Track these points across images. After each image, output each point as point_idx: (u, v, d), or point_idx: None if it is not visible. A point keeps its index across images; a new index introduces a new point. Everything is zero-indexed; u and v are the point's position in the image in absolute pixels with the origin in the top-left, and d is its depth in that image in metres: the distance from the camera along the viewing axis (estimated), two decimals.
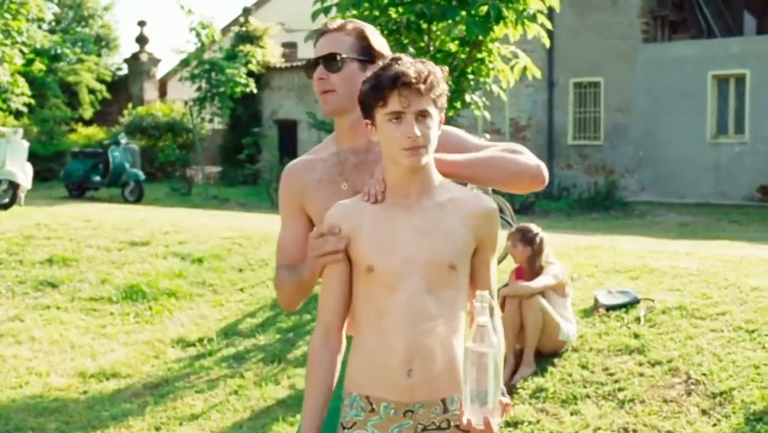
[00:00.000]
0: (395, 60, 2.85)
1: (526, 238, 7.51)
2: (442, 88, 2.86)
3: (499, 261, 9.12)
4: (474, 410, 2.67)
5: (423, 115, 2.81)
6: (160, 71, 32.06)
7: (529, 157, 3.13)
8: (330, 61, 3.17)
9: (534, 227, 7.64)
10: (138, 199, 20.34)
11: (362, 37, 3.22)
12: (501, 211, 9.14)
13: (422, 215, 2.87)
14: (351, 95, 3.10)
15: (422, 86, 2.79)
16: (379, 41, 3.26)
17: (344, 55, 3.17)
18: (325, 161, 3.23)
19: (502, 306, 7.21)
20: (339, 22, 3.27)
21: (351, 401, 2.89)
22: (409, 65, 2.81)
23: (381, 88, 2.79)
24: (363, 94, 2.87)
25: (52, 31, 31.78)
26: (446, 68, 2.93)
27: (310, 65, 3.21)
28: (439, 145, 2.90)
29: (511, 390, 6.89)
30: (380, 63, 2.95)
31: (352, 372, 2.91)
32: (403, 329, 2.80)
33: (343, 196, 3.06)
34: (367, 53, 3.20)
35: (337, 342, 2.95)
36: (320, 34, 3.24)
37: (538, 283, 7.27)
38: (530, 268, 7.44)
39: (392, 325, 2.81)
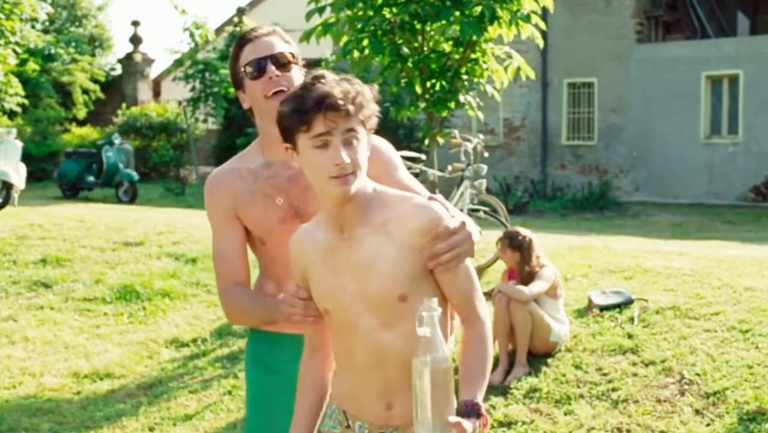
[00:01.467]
0: (317, 78, 2.59)
1: (514, 243, 7.50)
2: (372, 109, 2.63)
3: (491, 264, 9.13)
4: (424, 428, 2.48)
5: (350, 139, 2.57)
6: (154, 71, 32.05)
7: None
8: (280, 59, 3.09)
9: (522, 231, 7.63)
10: (132, 199, 20.32)
11: (292, 42, 3.18)
12: (495, 212, 9.17)
13: (360, 248, 2.66)
14: None
15: (350, 107, 2.56)
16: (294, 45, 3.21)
17: (292, 53, 3.11)
18: (254, 172, 3.15)
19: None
20: (266, 28, 3.18)
21: (330, 412, 2.87)
22: (334, 84, 2.56)
23: (304, 111, 2.54)
24: (283, 116, 2.60)
25: (45, 31, 31.77)
26: (375, 87, 2.69)
27: (255, 65, 3.08)
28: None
29: (505, 390, 6.90)
30: (302, 81, 2.68)
31: (334, 386, 2.87)
32: (374, 367, 2.69)
33: (278, 210, 3.05)
34: (297, 54, 3.16)
35: (324, 357, 2.87)
36: (250, 39, 3.14)
37: (532, 289, 7.25)
38: (521, 271, 7.44)
39: (362, 364, 2.71)
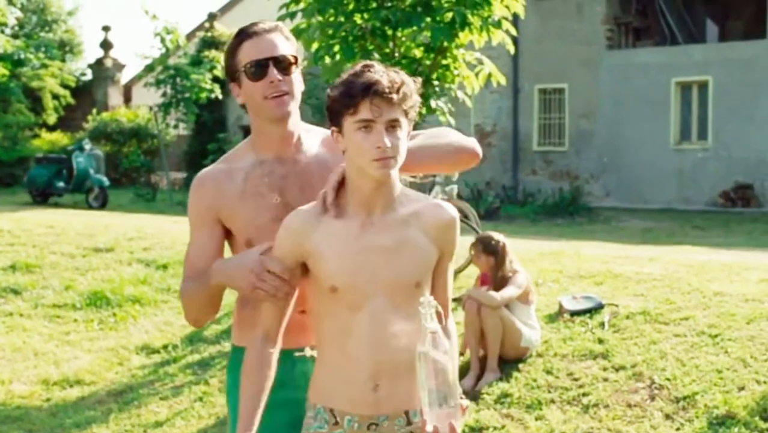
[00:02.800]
0: (367, 67, 2.74)
1: (488, 248, 7.50)
2: (415, 100, 2.77)
3: (463, 269, 9.14)
4: (436, 413, 2.65)
5: (393, 125, 2.72)
6: (124, 77, 31.91)
7: (461, 135, 3.14)
8: (282, 62, 3.01)
9: (496, 236, 7.64)
10: (102, 205, 20.22)
11: (291, 39, 3.08)
12: (466, 217, 9.17)
13: (386, 232, 2.80)
14: (297, 101, 3.04)
15: (395, 96, 2.70)
16: (295, 42, 3.14)
17: (293, 56, 3.04)
18: (245, 171, 3.07)
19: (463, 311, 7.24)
20: (265, 22, 3.08)
21: (315, 413, 2.88)
22: (382, 73, 2.71)
23: (352, 95, 2.69)
24: (332, 99, 2.75)
25: (15, 36, 31.55)
26: (419, 80, 2.84)
27: (256, 66, 2.99)
28: None
29: (476, 396, 6.90)
30: (352, 68, 2.79)
31: (317, 384, 2.89)
32: (368, 347, 2.77)
33: (272, 209, 2.99)
34: (297, 52, 3.10)
35: (275, 344, 2.89)
36: (250, 34, 3.03)
37: (504, 294, 7.26)
38: (494, 277, 7.44)
39: (357, 343, 2.78)
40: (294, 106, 3.04)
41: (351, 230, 2.80)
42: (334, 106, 2.75)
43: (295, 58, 3.05)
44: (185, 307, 3.15)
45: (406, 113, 2.75)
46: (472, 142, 3.15)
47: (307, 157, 3.10)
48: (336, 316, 2.80)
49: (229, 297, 3.25)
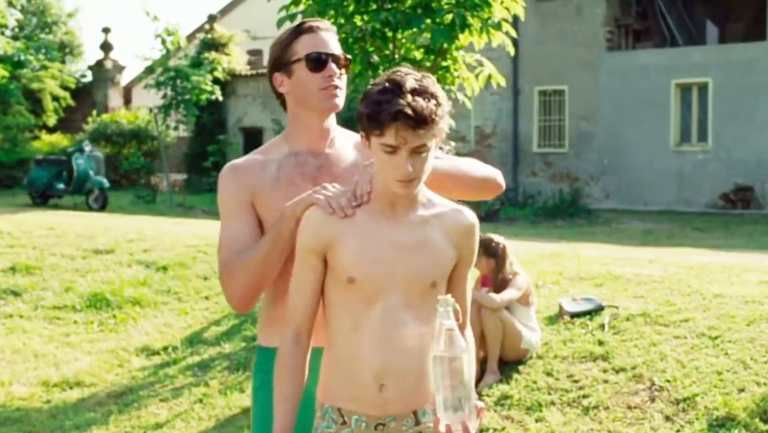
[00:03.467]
0: (397, 85, 2.68)
1: (489, 250, 7.50)
2: (445, 124, 2.73)
3: None
4: (450, 417, 2.64)
5: (419, 150, 2.69)
6: (124, 78, 31.91)
7: (486, 166, 3.23)
8: (341, 60, 3.13)
9: (496, 237, 7.64)
10: (102, 206, 20.22)
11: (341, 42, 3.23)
12: None
13: (408, 230, 2.80)
14: (343, 100, 3.14)
15: (422, 127, 2.66)
16: None
17: (349, 58, 3.18)
18: (278, 161, 3.11)
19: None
20: (323, 22, 3.21)
21: (323, 413, 2.86)
22: (411, 98, 2.65)
23: (379, 121, 2.66)
24: (361, 116, 2.73)
25: (15, 38, 31.56)
26: (450, 103, 2.82)
27: (317, 58, 3.10)
28: None
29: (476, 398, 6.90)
30: (381, 82, 2.74)
31: (325, 383, 2.87)
32: (377, 344, 2.75)
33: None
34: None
35: (307, 343, 2.86)
36: (310, 29, 3.14)
37: (504, 297, 7.27)
38: (495, 279, 7.45)
39: (366, 339, 2.76)
40: (342, 102, 3.14)
41: (374, 223, 2.80)
42: (361, 121, 2.74)
43: (348, 59, 3.17)
44: (236, 280, 3.00)
45: (434, 136, 2.72)
46: (497, 175, 3.26)
47: (338, 153, 3.15)
48: (349, 309, 2.78)
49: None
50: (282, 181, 3.07)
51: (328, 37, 3.15)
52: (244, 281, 2.99)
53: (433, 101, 2.68)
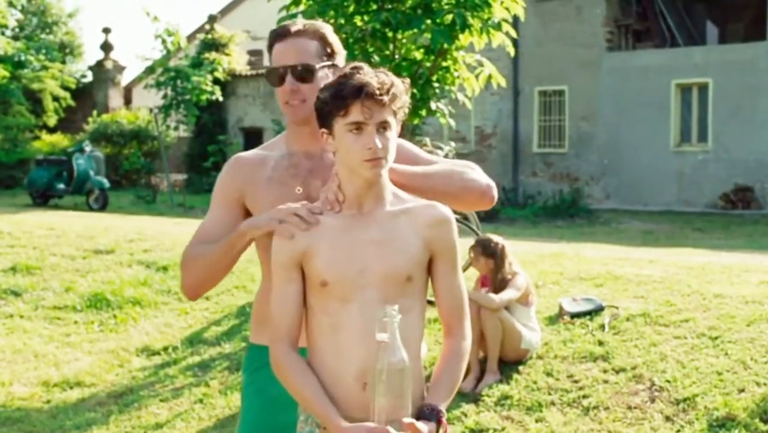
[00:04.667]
0: (356, 69, 2.77)
1: (487, 251, 7.50)
2: (404, 101, 2.81)
3: (463, 271, 9.14)
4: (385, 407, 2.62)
5: (384, 126, 2.76)
6: (125, 78, 31.93)
7: (480, 174, 3.14)
8: (302, 71, 3.08)
9: (495, 238, 7.63)
10: (103, 207, 20.23)
11: (325, 41, 3.15)
12: (466, 219, 9.17)
13: (377, 226, 2.82)
14: None
15: (385, 98, 2.73)
16: (336, 41, 3.19)
17: (317, 66, 3.09)
18: (274, 160, 3.16)
19: None
20: (298, 23, 3.16)
21: (306, 417, 2.85)
22: (372, 75, 2.75)
23: (343, 97, 2.72)
24: (322, 102, 2.79)
25: (15, 38, 31.55)
26: (408, 80, 2.88)
27: (277, 73, 3.10)
28: (395, 158, 2.86)
29: (476, 398, 6.91)
30: (340, 70, 2.86)
31: None
32: (358, 342, 2.73)
33: (295, 199, 2.98)
34: (330, 56, 3.15)
35: (297, 352, 2.84)
36: (280, 36, 3.13)
37: (503, 297, 7.27)
38: (494, 279, 7.45)
39: (347, 338, 2.75)
40: (311, 111, 3.03)
41: (343, 224, 2.81)
42: (324, 109, 2.79)
43: (311, 66, 3.09)
44: (189, 270, 3.11)
45: (395, 114, 2.79)
46: (487, 186, 3.14)
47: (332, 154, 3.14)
48: (326, 311, 2.78)
49: (247, 298, 3.23)
50: (274, 180, 3.13)
51: (294, 44, 3.11)
52: (194, 273, 3.10)
53: (391, 77, 2.78)
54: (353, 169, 2.78)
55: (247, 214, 3.13)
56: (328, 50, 3.15)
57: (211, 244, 3.05)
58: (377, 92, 2.72)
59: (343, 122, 2.75)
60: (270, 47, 3.16)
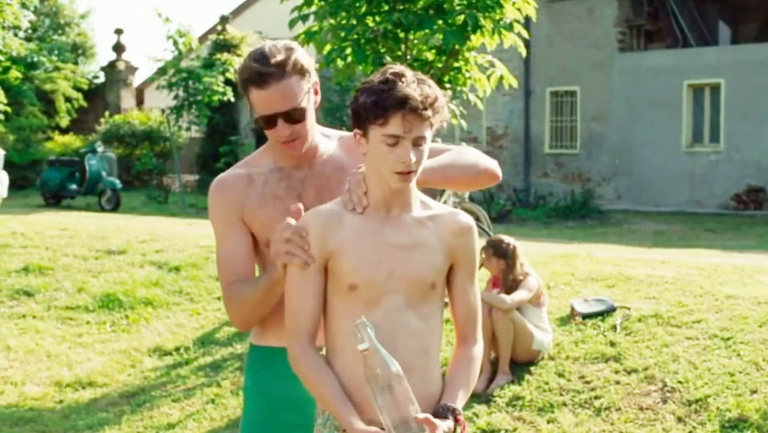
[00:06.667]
0: (398, 76, 2.68)
1: (499, 251, 7.49)
2: (444, 116, 2.74)
3: None
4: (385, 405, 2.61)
5: (420, 141, 2.70)
6: (137, 79, 32.00)
7: (484, 156, 3.21)
8: (294, 115, 2.98)
9: (506, 239, 7.62)
10: (115, 207, 20.29)
11: (302, 70, 2.99)
12: (478, 220, 9.17)
13: (405, 231, 2.79)
14: (312, 129, 3.05)
15: (427, 113, 2.67)
16: (307, 59, 3.03)
17: (303, 105, 2.99)
18: (264, 175, 3.10)
19: None
20: (270, 59, 2.95)
21: (324, 420, 2.84)
22: (415, 87, 2.66)
23: (384, 107, 2.65)
24: (360, 106, 2.70)
25: (28, 39, 31.61)
26: (449, 93, 2.85)
27: (268, 121, 2.99)
28: None
29: (488, 399, 6.91)
30: (380, 75, 2.72)
31: None
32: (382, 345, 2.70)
33: (292, 212, 2.92)
34: (309, 79, 3.02)
35: (316, 349, 2.82)
36: (259, 83, 2.95)
37: (514, 298, 7.26)
38: (505, 279, 7.44)
39: None
40: (308, 142, 3.05)
41: (371, 226, 2.78)
42: (362, 113, 2.70)
43: (298, 108, 2.99)
44: (237, 311, 3.09)
45: (431, 125, 2.73)
46: (493, 165, 3.24)
47: (323, 160, 3.13)
48: (352, 315, 2.71)
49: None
50: (268, 196, 3.08)
51: (277, 89, 2.95)
52: (243, 312, 3.10)
53: (434, 90, 2.71)
54: (382, 176, 2.74)
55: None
56: (307, 75, 3.02)
57: (250, 283, 3.04)
58: (420, 106, 2.65)
59: (380, 132, 2.68)
60: (245, 89, 3.01)
